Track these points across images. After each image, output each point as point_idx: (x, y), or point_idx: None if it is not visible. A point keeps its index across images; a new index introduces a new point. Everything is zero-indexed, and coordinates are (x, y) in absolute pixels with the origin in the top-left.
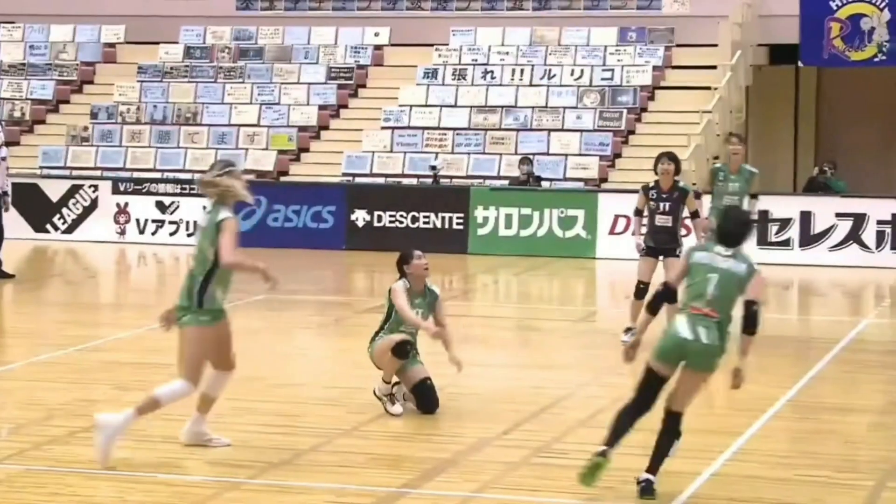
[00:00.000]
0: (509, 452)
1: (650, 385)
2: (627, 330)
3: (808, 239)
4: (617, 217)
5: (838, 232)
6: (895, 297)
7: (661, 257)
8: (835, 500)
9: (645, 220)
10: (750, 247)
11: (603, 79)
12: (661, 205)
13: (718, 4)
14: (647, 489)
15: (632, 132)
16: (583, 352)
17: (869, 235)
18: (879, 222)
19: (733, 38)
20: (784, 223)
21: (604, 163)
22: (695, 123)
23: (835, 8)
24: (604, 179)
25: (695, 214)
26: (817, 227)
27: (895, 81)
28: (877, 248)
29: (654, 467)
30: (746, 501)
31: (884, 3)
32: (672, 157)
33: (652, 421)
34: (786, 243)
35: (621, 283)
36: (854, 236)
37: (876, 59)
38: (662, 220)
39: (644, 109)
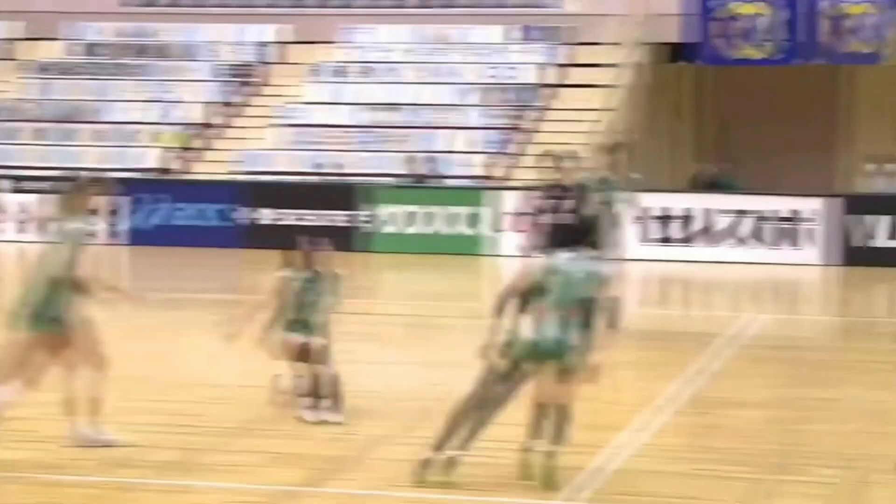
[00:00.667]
0: (410, 450)
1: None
2: None
3: (706, 236)
4: (512, 215)
5: (734, 229)
6: (789, 294)
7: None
8: (731, 494)
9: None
10: (642, 244)
11: (499, 77)
12: (561, 203)
13: (617, 3)
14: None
15: (528, 130)
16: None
17: (764, 232)
18: (769, 219)
19: (631, 37)
20: (681, 220)
21: (499, 160)
22: (594, 121)
23: (728, 7)
24: (499, 177)
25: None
26: (714, 224)
27: (783, 78)
28: (772, 245)
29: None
30: (648, 496)
31: (772, 2)
32: (560, 156)
33: (596, 418)
34: (684, 240)
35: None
36: (750, 233)
37: (768, 58)
38: (560, 219)
39: (540, 107)
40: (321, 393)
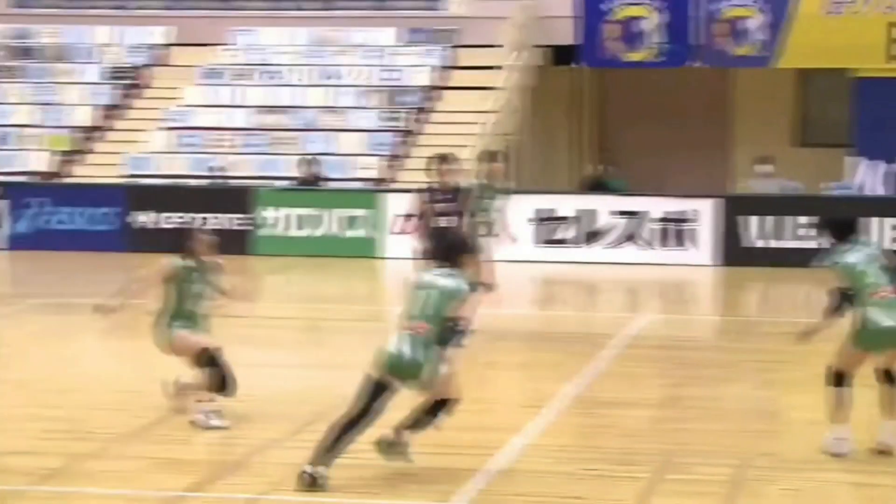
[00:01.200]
0: (300, 453)
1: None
2: None
3: (588, 237)
4: (401, 217)
5: (616, 230)
6: (677, 294)
7: None
8: (616, 493)
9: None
10: (532, 246)
11: (386, 79)
12: (444, 206)
13: (499, 6)
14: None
15: (415, 132)
16: (370, 351)
17: (647, 233)
18: (656, 220)
19: (514, 39)
20: (565, 222)
21: (388, 163)
22: (478, 123)
23: (612, 9)
24: (388, 179)
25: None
26: (597, 225)
27: (671, 81)
28: (654, 245)
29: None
30: (534, 496)
31: (659, 5)
32: (445, 159)
33: (484, 419)
34: (567, 241)
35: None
36: (631, 234)
37: (651, 60)
38: (442, 222)
39: (427, 110)
40: (212, 396)
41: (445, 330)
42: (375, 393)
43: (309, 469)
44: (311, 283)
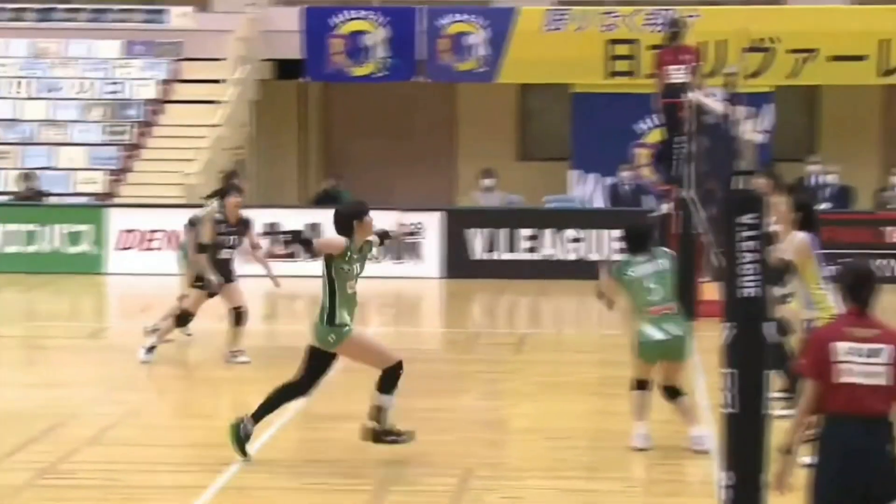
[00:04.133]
0: (14, 475)
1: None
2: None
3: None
4: (125, 232)
5: None
6: (407, 307)
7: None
8: None
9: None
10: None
11: (109, 92)
12: (230, 238)
13: (225, 19)
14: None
15: (140, 146)
16: (94, 368)
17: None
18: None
19: (239, 53)
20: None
21: (111, 177)
22: (203, 137)
23: (336, 24)
24: (112, 194)
25: (255, 246)
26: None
27: (398, 96)
28: (381, 258)
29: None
30: None
31: (383, 21)
32: (240, 189)
33: (202, 436)
34: (294, 255)
35: (132, 298)
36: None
37: (376, 75)
38: (227, 254)
39: (152, 124)
40: None
41: None
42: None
43: None
44: (32, 301)
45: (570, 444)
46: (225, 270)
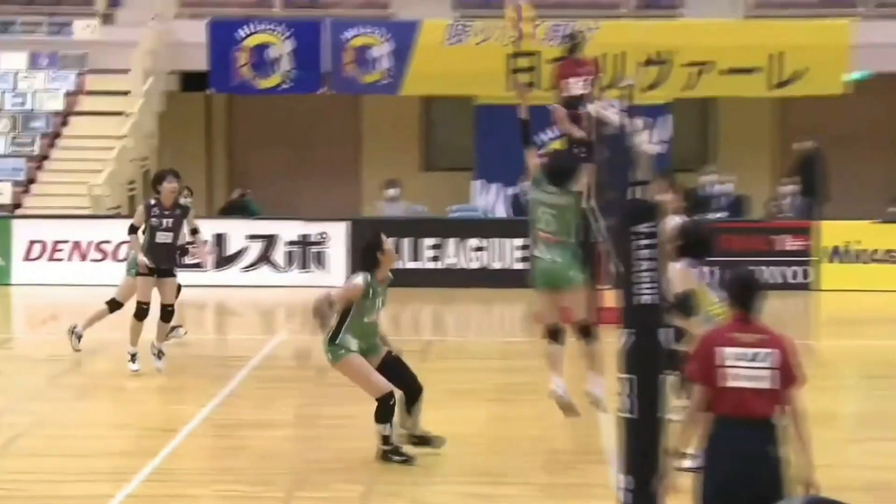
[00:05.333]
0: None
1: None
2: (133, 356)
3: (222, 260)
4: (32, 242)
5: (250, 253)
6: (305, 315)
7: (156, 276)
8: None
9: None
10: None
11: (15, 104)
12: (164, 221)
13: (130, 32)
14: None
15: (46, 157)
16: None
17: (279, 256)
18: (288, 243)
19: (145, 65)
20: (214, 246)
21: (18, 188)
22: (109, 149)
23: (242, 37)
24: (18, 205)
25: (195, 231)
26: (230, 248)
27: (303, 108)
28: (286, 267)
29: None
30: None
31: (287, 34)
32: (177, 174)
33: (116, 445)
34: (200, 265)
35: (38, 309)
36: (265, 257)
37: (282, 87)
38: (164, 237)
39: (58, 135)
40: None
41: None
42: None
43: None
44: None
45: (473, 449)
46: (163, 256)
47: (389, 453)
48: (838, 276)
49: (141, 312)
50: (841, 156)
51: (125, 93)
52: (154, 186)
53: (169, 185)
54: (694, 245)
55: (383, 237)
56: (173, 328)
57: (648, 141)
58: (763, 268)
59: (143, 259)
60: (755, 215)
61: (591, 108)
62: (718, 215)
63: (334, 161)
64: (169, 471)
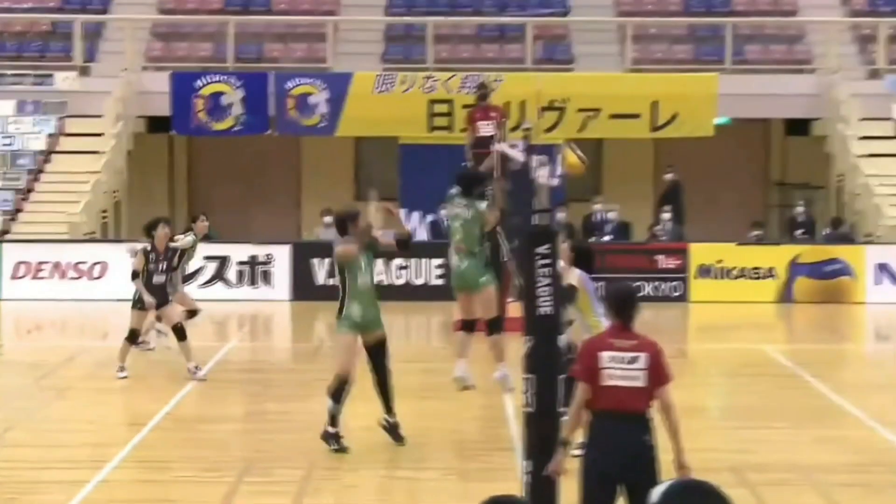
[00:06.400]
0: None
1: None
2: (121, 367)
3: (183, 278)
4: (19, 263)
5: (207, 271)
6: (261, 325)
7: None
8: (204, 495)
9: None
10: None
11: (4, 145)
12: (160, 266)
13: (103, 82)
14: None
15: (31, 190)
16: None
17: (231, 274)
18: (239, 263)
19: (117, 111)
20: None
21: (6, 217)
22: (85, 182)
23: (199, 86)
24: (6, 231)
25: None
26: (190, 268)
27: (252, 147)
28: (237, 284)
29: None
30: (129, 501)
31: (238, 84)
32: (168, 221)
33: (86, 437)
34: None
35: (24, 321)
36: (219, 275)
37: (234, 129)
38: (159, 279)
39: (42, 171)
40: None
41: None
42: None
43: None
44: None
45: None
46: (160, 294)
47: (330, 437)
48: (707, 290)
49: (133, 337)
50: (709, 188)
51: (99, 134)
52: (148, 232)
53: (162, 231)
54: (585, 259)
55: (362, 212)
56: (158, 333)
57: (547, 175)
58: (644, 283)
59: (150, 300)
60: (638, 238)
61: (499, 147)
62: (606, 238)
63: (279, 193)
64: (136, 459)
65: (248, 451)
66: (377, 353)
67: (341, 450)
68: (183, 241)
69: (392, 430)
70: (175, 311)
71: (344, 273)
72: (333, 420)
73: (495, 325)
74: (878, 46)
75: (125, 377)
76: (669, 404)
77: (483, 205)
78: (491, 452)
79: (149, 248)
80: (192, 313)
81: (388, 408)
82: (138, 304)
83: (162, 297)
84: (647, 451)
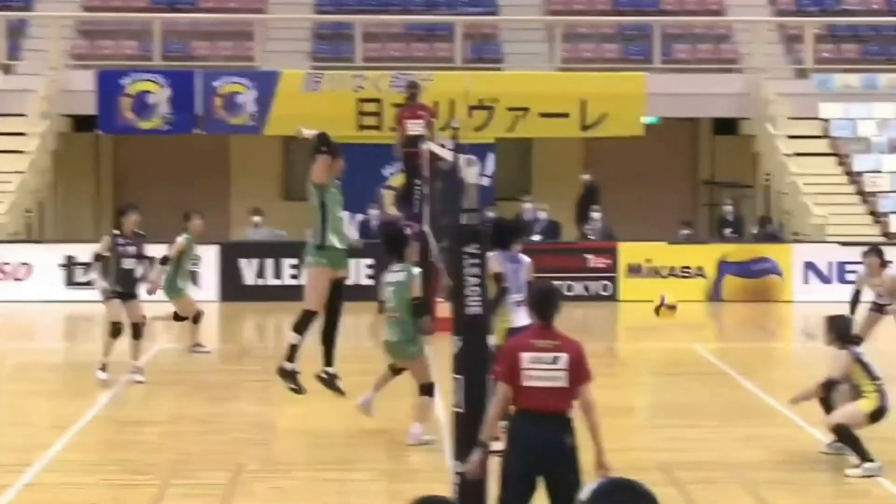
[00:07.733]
0: None
1: None
2: (104, 366)
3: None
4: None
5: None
6: (180, 327)
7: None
8: (131, 498)
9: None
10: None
11: None
12: (128, 249)
13: (28, 80)
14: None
15: None
16: None
17: (155, 276)
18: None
19: (41, 110)
20: (88, 266)
21: None
22: (9, 182)
23: (126, 85)
24: None
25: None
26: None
27: (180, 146)
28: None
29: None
30: None
31: (165, 82)
32: (136, 207)
33: (12, 441)
34: (91, 283)
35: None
36: (145, 276)
37: (161, 128)
38: (128, 263)
39: None
40: None
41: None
42: None
43: None
44: None
45: (328, 441)
46: (129, 280)
47: (286, 374)
48: (636, 289)
49: (116, 331)
50: (638, 187)
51: (23, 134)
52: (117, 218)
53: (131, 217)
54: (499, 234)
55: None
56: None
57: (476, 174)
58: (573, 283)
59: (102, 283)
60: (567, 238)
61: (428, 146)
62: (535, 238)
63: (207, 192)
64: (62, 462)
65: (176, 453)
66: (338, 291)
67: (297, 390)
68: (178, 242)
69: (330, 382)
70: (139, 308)
71: (324, 200)
72: (292, 355)
73: (426, 390)
74: (805, 46)
75: (106, 380)
76: (590, 403)
77: (416, 270)
78: (420, 454)
79: (116, 232)
80: (195, 317)
81: (329, 360)
82: (111, 294)
83: (130, 284)
84: (567, 451)
